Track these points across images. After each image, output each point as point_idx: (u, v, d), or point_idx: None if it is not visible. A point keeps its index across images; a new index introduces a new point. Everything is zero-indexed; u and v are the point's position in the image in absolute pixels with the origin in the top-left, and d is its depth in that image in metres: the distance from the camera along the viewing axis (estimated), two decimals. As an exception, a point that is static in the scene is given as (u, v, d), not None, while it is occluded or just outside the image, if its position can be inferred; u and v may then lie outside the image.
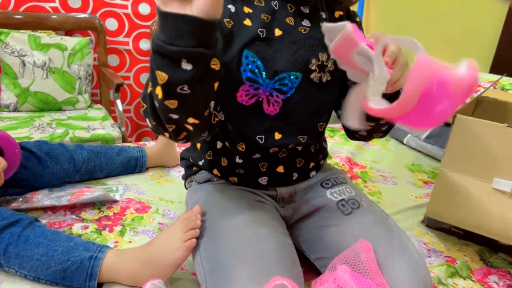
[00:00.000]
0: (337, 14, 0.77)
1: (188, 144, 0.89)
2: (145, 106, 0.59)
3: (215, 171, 0.80)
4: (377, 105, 0.54)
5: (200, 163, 0.82)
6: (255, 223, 0.70)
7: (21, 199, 0.93)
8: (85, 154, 1.05)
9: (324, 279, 0.62)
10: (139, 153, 1.17)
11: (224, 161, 0.78)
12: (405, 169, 1.39)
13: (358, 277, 0.60)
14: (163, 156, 1.22)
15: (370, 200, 0.81)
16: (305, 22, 0.73)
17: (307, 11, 0.73)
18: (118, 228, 0.90)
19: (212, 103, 0.60)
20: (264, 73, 0.69)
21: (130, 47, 2.18)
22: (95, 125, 1.72)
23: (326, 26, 0.55)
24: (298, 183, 0.82)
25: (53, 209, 0.95)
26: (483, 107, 1.16)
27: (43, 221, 0.87)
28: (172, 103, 0.53)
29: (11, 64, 1.75)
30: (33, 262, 0.70)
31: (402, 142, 1.59)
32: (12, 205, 0.90)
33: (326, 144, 0.90)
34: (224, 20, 0.66)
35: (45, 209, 0.95)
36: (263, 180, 0.79)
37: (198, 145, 0.82)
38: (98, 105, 2.04)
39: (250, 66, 0.68)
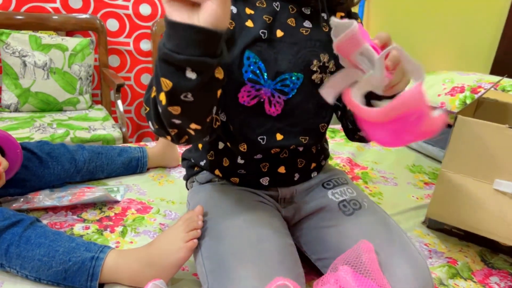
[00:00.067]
0: (338, 15, 0.77)
1: (190, 145, 0.89)
2: (148, 109, 0.59)
3: (217, 172, 0.80)
4: (357, 100, 0.57)
5: (202, 163, 0.82)
6: (257, 224, 0.70)
7: (22, 199, 0.93)
8: (86, 154, 1.06)
9: (326, 280, 0.62)
10: (140, 153, 1.17)
11: (226, 162, 0.78)
12: (406, 170, 1.39)
13: (360, 278, 0.60)
14: (164, 156, 1.22)
15: (371, 201, 0.81)
16: (307, 23, 0.73)
17: (309, 12, 0.73)
18: (119, 229, 0.90)
19: (214, 109, 0.61)
20: (265, 74, 0.69)
21: (131, 47, 2.18)
22: (96, 126, 1.73)
23: (334, 21, 0.55)
24: (300, 183, 0.83)
25: (54, 209, 0.95)
26: (484, 108, 1.16)
27: (44, 222, 0.87)
28: (176, 110, 0.53)
29: (12, 64, 1.75)
30: (35, 263, 0.70)
31: (402, 143, 1.59)
32: (14, 205, 0.90)
33: (327, 144, 0.90)
34: None
35: (46, 209, 0.95)
36: (265, 181, 0.79)
37: (200, 146, 0.82)
38: (99, 106, 2.04)
39: (251, 67, 0.68)
